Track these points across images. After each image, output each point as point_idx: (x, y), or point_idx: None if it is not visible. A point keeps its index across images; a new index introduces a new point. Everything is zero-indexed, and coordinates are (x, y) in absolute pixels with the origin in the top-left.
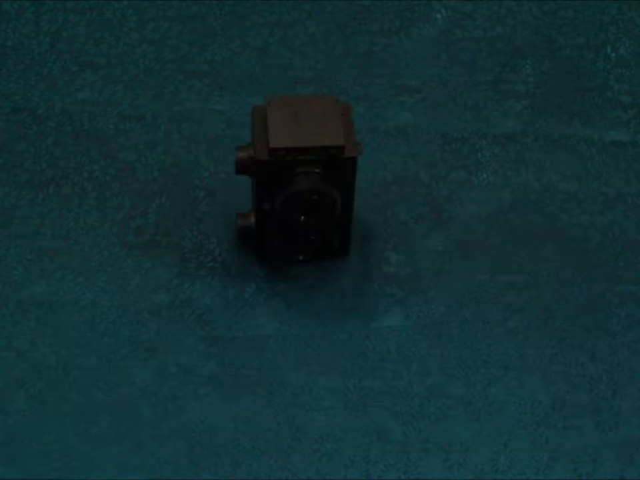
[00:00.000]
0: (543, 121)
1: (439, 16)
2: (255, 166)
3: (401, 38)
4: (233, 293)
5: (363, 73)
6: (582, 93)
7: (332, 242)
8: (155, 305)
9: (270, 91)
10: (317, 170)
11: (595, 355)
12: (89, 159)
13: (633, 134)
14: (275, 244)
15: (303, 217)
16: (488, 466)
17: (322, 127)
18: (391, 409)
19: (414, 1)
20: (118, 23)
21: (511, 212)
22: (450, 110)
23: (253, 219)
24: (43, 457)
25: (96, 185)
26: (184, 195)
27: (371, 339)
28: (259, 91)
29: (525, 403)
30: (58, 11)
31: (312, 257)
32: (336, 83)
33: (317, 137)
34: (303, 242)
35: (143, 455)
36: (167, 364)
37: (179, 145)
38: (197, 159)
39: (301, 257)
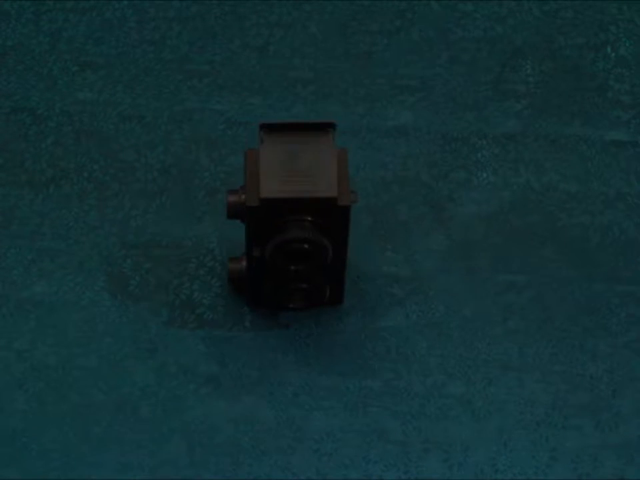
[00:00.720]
0: (543, 120)
1: None
2: (246, 211)
3: (401, 38)
4: (233, 293)
5: (362, 73)
6: (582, 92)
7: (322, 291)
8: (155, 305)
9: (270, 90)
10: (308, 218)
11: (595, 355)
12: (89, 159)
13: (633, 134)
14: (266, 292)
15: (293, 266)
16: (488, 466)
17: (315, 176)
18: (391, 408)
19: (414, 1)
20: (118, 23)
21: (511, 212)
22: (450, 110)
23: (244, 264)
24: (42, 457)
25: (96, 184)
26: (184, 195)
27: (371, 339)
28: (259, 91)
29: (524, 403)
30: (58, 11)
31: (302, 306)
32: (336, 83)
33: (309, 186)
34: (293, 290)
35: (143, 455)
36: (166, 364)
37: (179, 145)
38: (197, 158)
39: (291, 305)
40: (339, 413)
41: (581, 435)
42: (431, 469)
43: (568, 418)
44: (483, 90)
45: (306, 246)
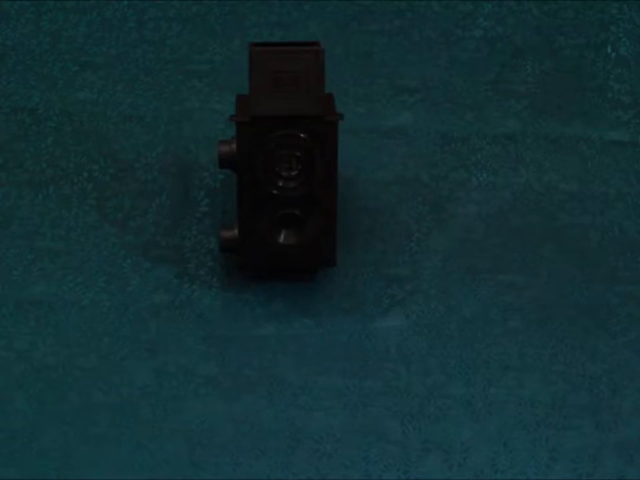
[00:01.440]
0: (543, 120)
1: None
2: (237, 129)
3: (401, 38)
4: (233, 293)
5: (362, 73)
6: (582, 92)
7: (315, 226)
8: (155, 305)
9: None
10: (301, 135)
11: (595, 355)
12: (89, 159)
13: (633, 134)
14: (260, 232)
15: (283, 182)
16: (488, 466)
17: (303, 93)
18: (391, 408)
19: (414, 1)
20: (118, 23)
21: (511, 212)
22: (450, 110)
23: (236, 231)
24: (42, 457)
25: (96, 184)
26: (184, 195)
27: (371, 339)
28: None
29: (524, 403)
30: (58, 11)
31: (295, 242)
32: (336, 82)
33: (297, 103)
34: (286, 220)
35: (143, 455)
36: (166, 364)
37: (179, 145)
38: (197, 158)
39: (283, 241)
40: (338, 413)
41: (580, 434)
42: (431, 469)
43: (568, 418)
44: (482, 90)
45: (297, 153)
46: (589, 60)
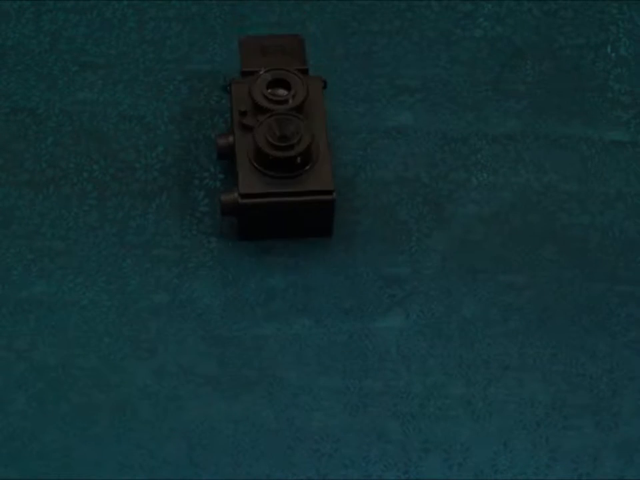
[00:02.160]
0: (543, 121)
1: None
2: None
3: (401, 38)
4: (233, 293)
5: (362, 73)
6: (582, 92)
7: (309, 151)
8: (155, 305)
9: None
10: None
11: (595, 355)
12: (89, 159)
13: (633, 134)
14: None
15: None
16: (488, 466)
17: (289, 55)
18: (391, 409)
19: (414, 1)
20: (118, 23)
21: (511, 212)
22: (450, 110)
23: (236, 194)
24: (42, 457)
25: (96, 184)
26: (184, 195)
27: (371, 339)
28: None
29: (524, 403)
30: (58, 11)
31: (295, 167)
32: (336, 82)
33: (284, 63)
34: (284, 140)
35: (143, 455)
36: (166, 364)
37: (179, 145)
38: (197, 158)
39: (281, 158)
40: (338, 413)
41: (581, 434)
42: (431, 468)
43: (568, 418)
44: (483, 90)
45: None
46: (588, 60)
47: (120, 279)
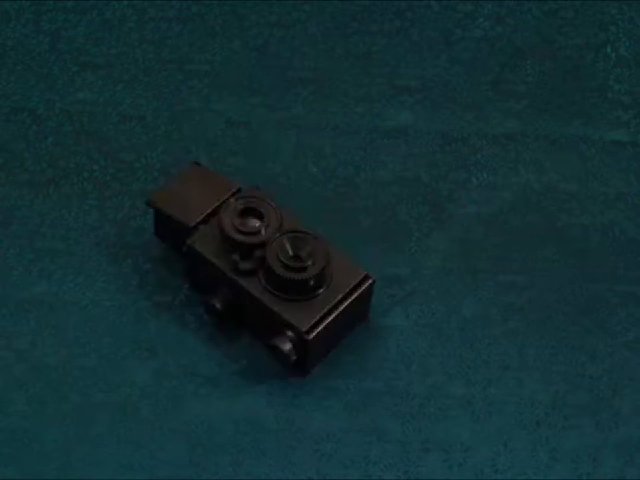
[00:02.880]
0: (543, 120)
1: None
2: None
3: (401, 38)
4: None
5: (362, 73)
6: (582, 93)
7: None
8: (155, 305)
9: (270, 90)
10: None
11: (595, 355)
12: (89, 159)
13: (633, 134)
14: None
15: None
16: (488, 466)
17: None
18: (391, 409)
19: (414, 1)
20: (118, 23)
21: (511, 212)
22: (450, 110)
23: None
24: (42, 457)
25: (96, 184)
26: None
27: (371, 339)
28: (259, 91)
29: (524, 403)
30: (58, 11)
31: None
32: (336, 83)
33: None
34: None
35: (143, 455)
36: (167, 364)
37: (179, 145)
38: (197, 159)
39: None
40: (338, 413)
41: (580, 434)
42: (431, 468)
43: (568, 418)
44: (483, 90)
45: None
46: (588, 60)
47: (120, 279)
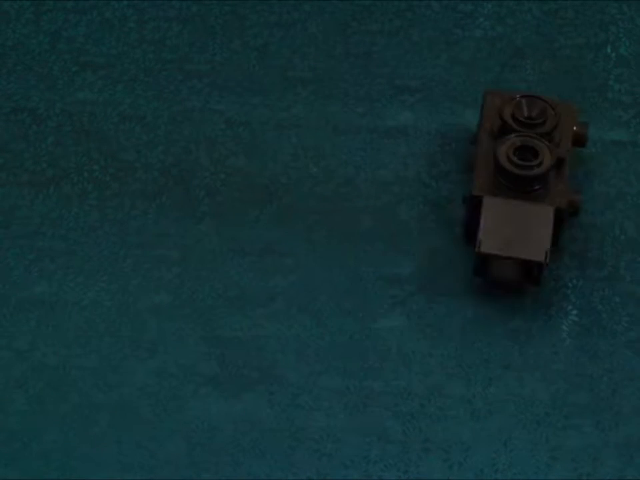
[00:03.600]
0: None
1: None
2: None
3: (401, 38)
4: (233, 292)
5: (362, 73)
6: (582, 93)
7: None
8: (155, 305)
9: (270, 90)
10: None
11: (595, 355)
12: (89, 159)
13: (633, 134)
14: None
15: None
16: (488, 466)
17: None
18: (391, 409)
19: (414, 1)
20: (118, 23)
21: None
22: (450, 110)
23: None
24: (42, 457)
25: (96, 184)
26: (184, 195)
27: (371, 338)
28: (259, 91)
29: (525, 403)
30: (58, 11)
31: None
32: (336, 83)
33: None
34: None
35: (143, 455)
36: (166, 364)
37: (179, 145)
38: (197, 158)
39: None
40: (338, 413)
41: (580, 434)
42: (431, 468)
43: (568, 418)
44: (483, 90)
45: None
46: (588, 60)
47: (120, 278)
